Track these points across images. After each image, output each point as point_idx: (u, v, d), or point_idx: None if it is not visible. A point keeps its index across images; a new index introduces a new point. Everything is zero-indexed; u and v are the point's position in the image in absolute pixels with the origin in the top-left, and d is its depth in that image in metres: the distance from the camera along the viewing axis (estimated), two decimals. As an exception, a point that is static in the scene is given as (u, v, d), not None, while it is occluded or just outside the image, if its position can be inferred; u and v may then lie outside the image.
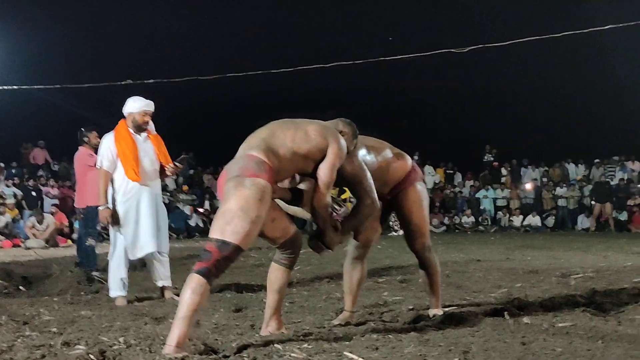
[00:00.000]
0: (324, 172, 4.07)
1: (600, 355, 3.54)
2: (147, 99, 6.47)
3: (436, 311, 4.92)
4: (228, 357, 3.61)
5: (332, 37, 25.88)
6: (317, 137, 4.05)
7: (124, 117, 6.42)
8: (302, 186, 4.32)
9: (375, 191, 4.38)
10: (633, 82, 24.43)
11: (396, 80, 25.96)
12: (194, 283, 3.59)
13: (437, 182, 24.20)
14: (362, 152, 4.51)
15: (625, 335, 3.99)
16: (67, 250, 13.78)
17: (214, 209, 21.31)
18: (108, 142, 6.30)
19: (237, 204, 3.69)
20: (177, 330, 3.52)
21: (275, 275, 4.25)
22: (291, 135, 4.02)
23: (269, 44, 26.31)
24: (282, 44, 26.04)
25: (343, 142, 4.16)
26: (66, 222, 17.00)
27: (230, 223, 3.66)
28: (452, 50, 10.24)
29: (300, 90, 24.64)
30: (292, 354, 3.56)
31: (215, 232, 3.70)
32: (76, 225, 14.38)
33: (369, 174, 4.39)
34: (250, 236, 3.71)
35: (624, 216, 20.57)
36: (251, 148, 3.94)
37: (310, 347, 3.77)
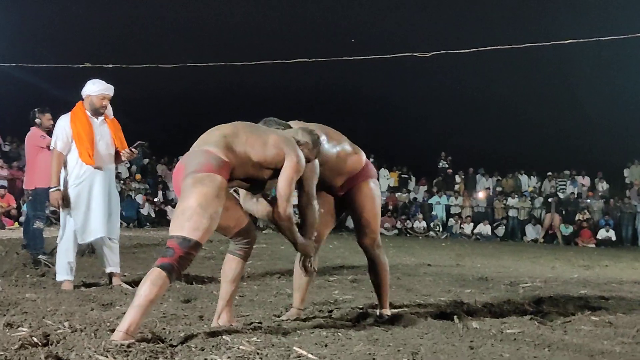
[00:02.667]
0: (281, 185, 4.09)
1: (545, 358, 3.58)
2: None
3: (384, 311, 4.92)
4: (175, 346, 3.55)
5: (296, 35, 25.85)
6: (274, 148, 4.06)
7: (82, 99, 6.30)
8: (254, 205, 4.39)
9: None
10: (589, 98, 24.88)
11: (357, 81, 26.05)
12: (154, 275, 3.57)
13: (391, 185, 24.34)
14: (322, 138, 4.55)
15: (571, 345, 4.03)
16: (14, 232, 13.51)
17: (167, 200, 21.11)
18: (63, 123, 6.17)
19: (196, 201, 3.69)
20: (129, 317, 3.49)
21: (230, 266, 4.23)
22: (251, 140, 4.03)
23: (232, 36, 26.18)
24: (247, 38, 25.94)
25: (301, 154, 4.18)
26: (14, 204, 16.66)
27: (190, 220, 3.66)
28: (415, 54, 10.27)
29: (261, 86, 24.58)
30: (241, 347, 3.52)
31: (175, 230, 3.68)
32: (24, 207, 14.10)
33: (316, 180, 4.45)
34: (209, 232, 3.74)
35: (570, 230, 20.91)
36: (209, 144, 3.93)
37: (259, 340, 3.73)
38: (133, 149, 6.44)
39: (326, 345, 3.69)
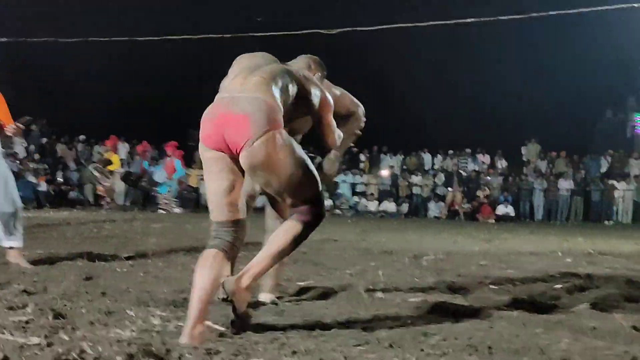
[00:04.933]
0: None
1: (449, 328, 3.67)
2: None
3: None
4: (77, 322, 3.46)
5: (201, 12, 25.49)
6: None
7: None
8: None
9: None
10: (489, 79, 25.53)
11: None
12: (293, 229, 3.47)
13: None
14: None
15: (471, 311, 4.17)
16: None
17: (66, 180, 20.52)
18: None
19: (294, 165, 3.34)
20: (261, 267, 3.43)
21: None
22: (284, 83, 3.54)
23: (135, 11, 25.52)
24: (151, 13, 25.34)
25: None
26: None
27: (302, 184, 3.41)
28: (321, 31, 10.28)
29: (165, 59, 24.09)
30: (145, 321, 3.47)
31: (296, 197, 3.44)
32: None
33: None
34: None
35: (471, 205, 21.50)
36: (261, 90, 3.38)
37: (165, 314, 3.69)
38: (19, 124, 6.18)
39: (230, 315, 3.68)
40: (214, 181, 3.36)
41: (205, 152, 3.38)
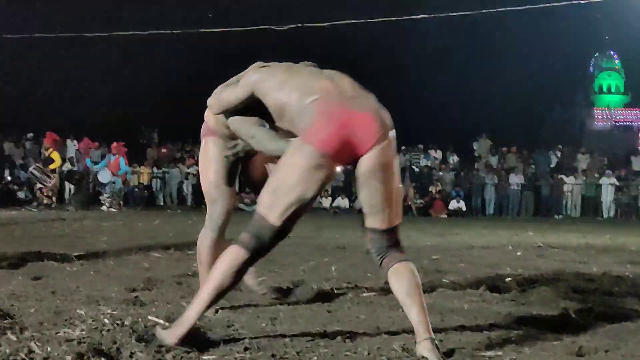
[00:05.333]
0: None
1: (400, 322, 3.70)
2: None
3: None
4: (25, 322, 3.40)
5: (153, 8, 25.23)
6: None
7: None
8: None
9: None
10: (441, 76, 25.78)
11: (216, 54, 25.76)
12: None
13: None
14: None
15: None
16: None
17: (14, 179, 20.11)
18: None
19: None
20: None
21: None
22: None
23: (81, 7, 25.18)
24: (98, 8, 25.04)
25: None
26: None
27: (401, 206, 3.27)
28: (272, 27, 10.27)
29: (116, 54, 23.80)
30: (95, 320, 3.42)
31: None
32: None
33: None
34: None
35: (424, 201, 21.66)
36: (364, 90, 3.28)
37: (115, 312, 3.65)
38: None
39: (181, 313, 3.65)
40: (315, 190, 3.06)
41: (319, 158, 2.99)
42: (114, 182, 18.38)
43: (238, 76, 3.56)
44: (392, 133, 3.11)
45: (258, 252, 3.08)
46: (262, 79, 3.32)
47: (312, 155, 2.99)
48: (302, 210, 3.08)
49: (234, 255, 3.03)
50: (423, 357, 2.88)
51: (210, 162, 3.92)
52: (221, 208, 3.91)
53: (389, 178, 3.08)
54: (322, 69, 3.42)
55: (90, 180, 19.29)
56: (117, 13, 24.13)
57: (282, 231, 3.10)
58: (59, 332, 3.17)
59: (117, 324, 3.32)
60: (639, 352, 3.12)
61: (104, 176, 18.30)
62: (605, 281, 5.54)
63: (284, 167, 3.06)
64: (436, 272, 5.87)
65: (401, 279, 3.09)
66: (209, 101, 3.63)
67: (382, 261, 3.15)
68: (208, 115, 3.85)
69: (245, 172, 4.08)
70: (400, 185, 3.29)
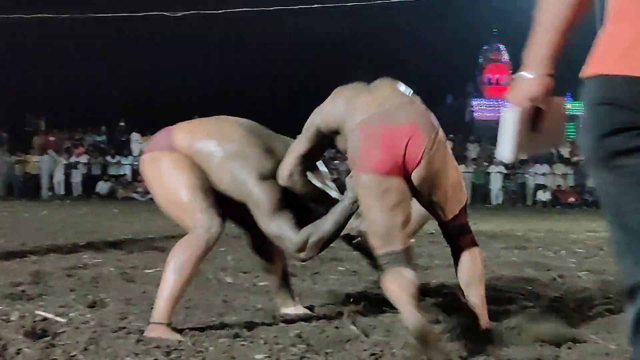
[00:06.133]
0: None
1: (296, 310, 3.71)
2: None
3: None
4: None
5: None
6: None
7: None
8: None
9: None
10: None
11: (104, 39, 25.14)
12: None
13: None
14: None
15: (320, 292, 4.28)
16: None
17: None
18: None
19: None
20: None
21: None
22: None
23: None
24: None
25: None
26: None
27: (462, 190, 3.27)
28: (165, 13, 10.08)
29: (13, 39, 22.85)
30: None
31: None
32: None
33: None
34: None
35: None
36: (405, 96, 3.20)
37: (1, 307, 3.50)
38: None
39: (72, 307, 3.55)
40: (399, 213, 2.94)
41: (382, 182, 2.91)
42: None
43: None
44: (441, 133, 3.04)
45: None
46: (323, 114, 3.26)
47: (375, 182, 2.91)
48: (410, 222, 3.02)
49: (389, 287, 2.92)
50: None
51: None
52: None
53: (443, 178, 3.05)
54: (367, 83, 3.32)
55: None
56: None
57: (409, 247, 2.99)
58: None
59: (3, 320, 3.19)
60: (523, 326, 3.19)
61: None
62: (494, 266, 5.72)
63: (365, 212, 3.02)
64: (333, 261, 5.87)
65: (462, 267, 3.15)
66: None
67: (451, 249, 3.21)
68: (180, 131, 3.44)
69: None
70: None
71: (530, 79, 1.78)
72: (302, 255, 3.26)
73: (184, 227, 3.28)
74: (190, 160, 3.31)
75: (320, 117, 3.25)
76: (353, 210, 3.26)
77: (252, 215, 3.30)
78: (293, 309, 3.67)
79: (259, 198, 3.24)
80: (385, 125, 2.96)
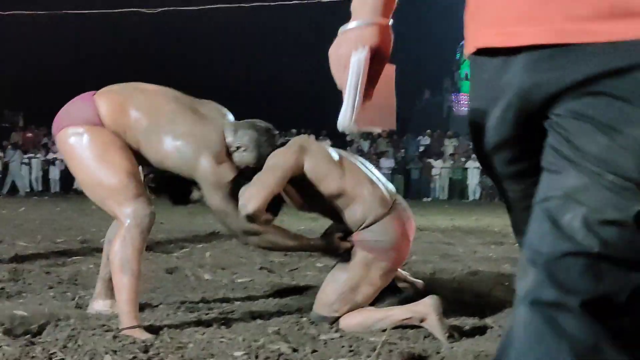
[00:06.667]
0: None
1: (275, 304, 3.76)
2: None
3: None
4: None
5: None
6: None
7: None
8: None
9: None
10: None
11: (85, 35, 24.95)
12: None
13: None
14: None
15: (298, 288, 4.30)
16: None
17: None
18: None
19: None
20: None
21: None
22: None
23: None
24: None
25: None
26: None
27: None
28: (142, 10, 10.05)
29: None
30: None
31: None
32: None
33: None
34: None
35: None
36: None
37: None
38: None
39: (51, 304, 3.58)
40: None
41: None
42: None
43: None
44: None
45: None
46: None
47: (386, 270, 3.36)
48: None
49: None
50: None
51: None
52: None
53: None
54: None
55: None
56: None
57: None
58: None
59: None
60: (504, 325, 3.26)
61: None
62: (471, 261, 5.79)
63: (363, 285, 3.34)
64: (310, 257, 5.91)
65: None
66: None
67: None
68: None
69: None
70: None
71: (355, 28, 1.37)
72: (249, 212, 3.13)
73: (109, 213, 3.20)
74: (121, 141, 3.17)
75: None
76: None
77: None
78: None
79: (205, 172, 3.24)
80: (410, 222, 3.52)
